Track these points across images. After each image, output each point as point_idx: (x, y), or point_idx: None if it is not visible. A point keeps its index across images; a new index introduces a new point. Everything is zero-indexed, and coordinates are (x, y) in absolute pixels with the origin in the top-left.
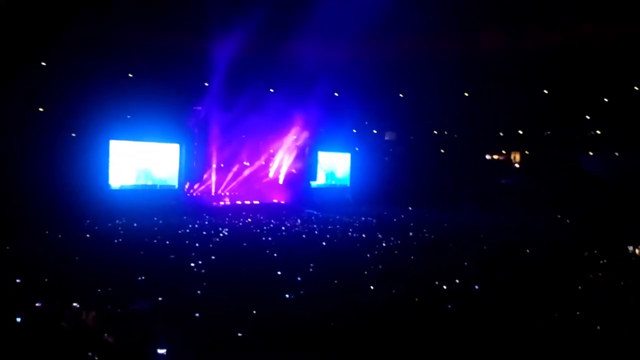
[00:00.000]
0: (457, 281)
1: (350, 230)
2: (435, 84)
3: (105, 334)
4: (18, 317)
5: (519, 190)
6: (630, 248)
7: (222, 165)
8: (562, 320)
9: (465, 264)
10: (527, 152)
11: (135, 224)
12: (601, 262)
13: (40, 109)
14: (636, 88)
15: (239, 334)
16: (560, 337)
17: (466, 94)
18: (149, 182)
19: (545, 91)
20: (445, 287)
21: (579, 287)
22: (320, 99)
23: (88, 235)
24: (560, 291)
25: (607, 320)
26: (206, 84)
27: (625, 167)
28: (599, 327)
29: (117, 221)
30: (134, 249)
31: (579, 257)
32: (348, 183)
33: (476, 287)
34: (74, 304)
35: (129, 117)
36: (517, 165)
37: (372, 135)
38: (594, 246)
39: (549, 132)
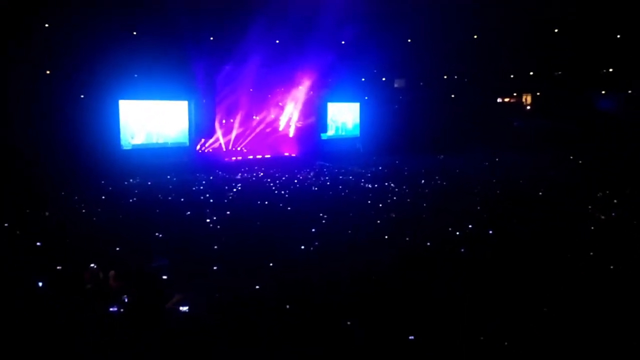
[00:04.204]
0: (470, 226)
1: (362, 180)
2: (444, 27)
3: (125, 292)
4: (40, 280)
5: (531, 133)
6: None
7: (231, 120)
8: (575, 260)
9: (478, 208)
10: (538, 93)
11: (149, 183)
12: (614, 201)
13: (47, 72)
14: None
15: (257, 287)
16: (573, 277)
17: (475, 37)
18: (160, 141)
19: (556, 30)
20: (458, 232)
21: (592, 228)
22: (328, 48)
23: (103, 197)
24: (573, 232)
25: (620, 260)
26: (212, 39)
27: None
28: (612, 267)
29: (131, 180)
30: (150, 207)
31: (591, 198)
32: (358, 133)
33: (490, 231)
34: (93, 265)
35: (136, 76)
36: (528, 107)
37: (381, 84)
38: (607, 186)
39: (560, 72)
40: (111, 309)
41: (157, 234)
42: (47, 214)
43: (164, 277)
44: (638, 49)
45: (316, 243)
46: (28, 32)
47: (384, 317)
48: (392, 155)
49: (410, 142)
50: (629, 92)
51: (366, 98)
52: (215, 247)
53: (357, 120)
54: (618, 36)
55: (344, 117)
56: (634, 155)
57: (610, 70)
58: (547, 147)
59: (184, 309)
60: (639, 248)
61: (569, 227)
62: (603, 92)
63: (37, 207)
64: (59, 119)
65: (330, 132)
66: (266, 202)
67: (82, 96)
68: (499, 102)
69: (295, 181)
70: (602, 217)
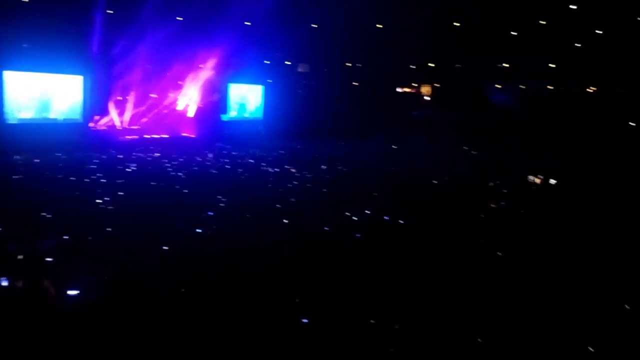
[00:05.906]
0: (368, 212)
1: (263, 164)
2: (349, 15)
3: (8, 275)
4: None
5: (428, 123)
6: (531, 178)
7: (128, 97)
8: (466, 247)
9: (375, 194)
10: (437, 84)
11: (36, 160)
12: (504, 191)
13: None
14: (543, 22)
15: (149, 271)
16: (463, 263)
17: (379, 26)
18: (51, 116)
19: (456, 24)
20: (355, 218)
21: (482, 216)
22: (232, 28)
23: None
24: (464, 220)
25: (507, 246)
26: (110, 12)
27: (531, 99)
28: (499, 253)
29: (17, 157)
30: (36, 185)
31: (483, 187)
32: (261, 116)
33: (385, 217)
34: None
35: (25, 46)
36: (427, 98)
37: (285, 67)
38: (498, 176)
39: (459, 65)
40: None
41: (44, 213)
42: None
43: (50, 259)
44: (532, 47)
45: (214, 227)
46: None
47: (275, 300)
48: (294, 139)
49: (313, 128)
50: (523, 87)
51: (270, 81)
52: (109, 229)
53: (260, 103)
54: (513, 33)
55: (247, 99)
56: (523, 148)
57: (506, 65)
58: (443, 138)
59: (74, 292)
60: (525, 235)
61: (459, 214)
62: (499, 86)
63: None
64: None
65: (232, 114)
66: (162, 184)
67: None
68: (399, 92)
69: (193, 163)
70: (493, 205)
